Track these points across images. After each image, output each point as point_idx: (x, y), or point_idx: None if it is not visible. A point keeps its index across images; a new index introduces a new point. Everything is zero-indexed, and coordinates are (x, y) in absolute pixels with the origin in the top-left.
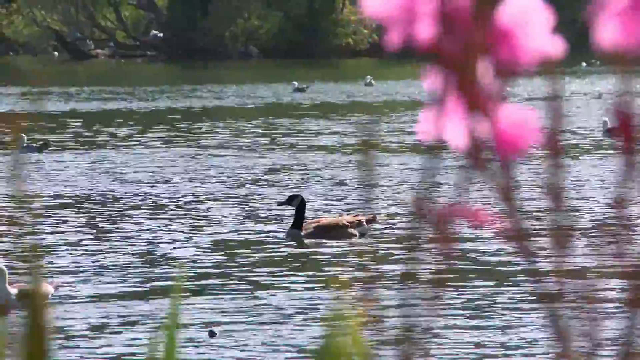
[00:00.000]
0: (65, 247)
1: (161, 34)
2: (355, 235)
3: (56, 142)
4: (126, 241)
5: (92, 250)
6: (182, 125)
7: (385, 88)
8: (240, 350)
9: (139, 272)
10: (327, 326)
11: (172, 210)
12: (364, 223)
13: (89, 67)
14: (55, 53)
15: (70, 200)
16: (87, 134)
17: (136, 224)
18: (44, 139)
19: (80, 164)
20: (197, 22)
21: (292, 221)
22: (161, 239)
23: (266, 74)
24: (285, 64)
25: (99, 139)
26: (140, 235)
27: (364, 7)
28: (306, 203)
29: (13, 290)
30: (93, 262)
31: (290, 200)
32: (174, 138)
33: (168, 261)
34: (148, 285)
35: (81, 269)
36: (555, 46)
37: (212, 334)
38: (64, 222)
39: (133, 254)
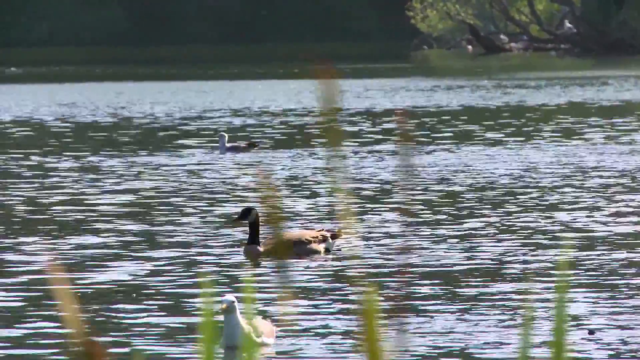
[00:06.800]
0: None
1: (575, 28)
2: (320, 252)
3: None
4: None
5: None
6: (600, 122)
7: None
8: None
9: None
10: None
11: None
12: (329, 238)
13: (502, 60)
14: (469, 47)
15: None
16: (466, 128)
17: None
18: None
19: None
20: (612, 16)
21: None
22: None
23: None
24: None
25: (486, 134)
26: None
27: None
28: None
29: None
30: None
31: (244, 215)
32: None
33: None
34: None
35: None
36: None
37: (591, 332)
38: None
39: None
